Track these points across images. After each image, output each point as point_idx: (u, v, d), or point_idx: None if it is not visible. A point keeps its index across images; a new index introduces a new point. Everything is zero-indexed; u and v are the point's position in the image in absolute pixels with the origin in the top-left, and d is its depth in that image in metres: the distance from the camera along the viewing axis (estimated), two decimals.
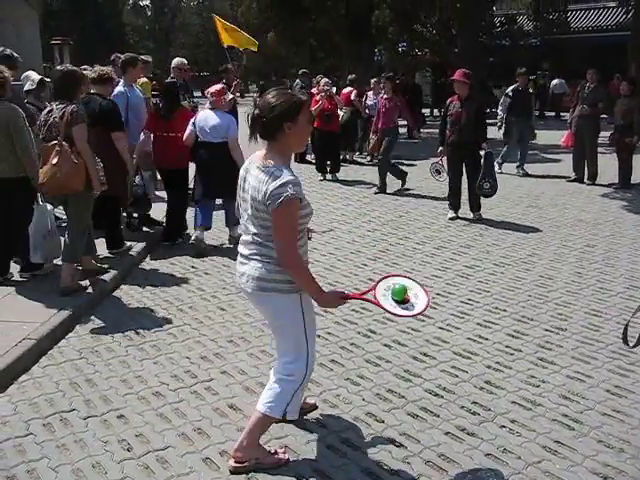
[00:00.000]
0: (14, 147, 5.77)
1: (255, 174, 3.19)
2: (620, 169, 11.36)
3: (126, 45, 44.66)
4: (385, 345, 5.02)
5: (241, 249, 3.37)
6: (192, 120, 7.54)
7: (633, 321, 3.29)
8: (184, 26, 63.39)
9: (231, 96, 8.12)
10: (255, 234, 3.23)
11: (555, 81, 27.46)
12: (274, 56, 35.43)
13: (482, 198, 9.03)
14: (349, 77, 14.30)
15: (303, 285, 3.22)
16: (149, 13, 66.24)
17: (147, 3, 66.02)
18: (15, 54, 6.89)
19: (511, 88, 13.16)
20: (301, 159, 14.52)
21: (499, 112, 13.27)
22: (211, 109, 7.52)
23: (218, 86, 7.79)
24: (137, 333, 5.29)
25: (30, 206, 6.10)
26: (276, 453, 3.49)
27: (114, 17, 49.86)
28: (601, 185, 11.57)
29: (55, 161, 5.49)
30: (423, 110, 23.58)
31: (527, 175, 12.85)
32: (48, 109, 5.82)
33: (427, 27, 28.14)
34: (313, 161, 13.35)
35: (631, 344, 3.29)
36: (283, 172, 3.10)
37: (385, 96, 11.17)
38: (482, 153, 8.92)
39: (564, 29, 29.15)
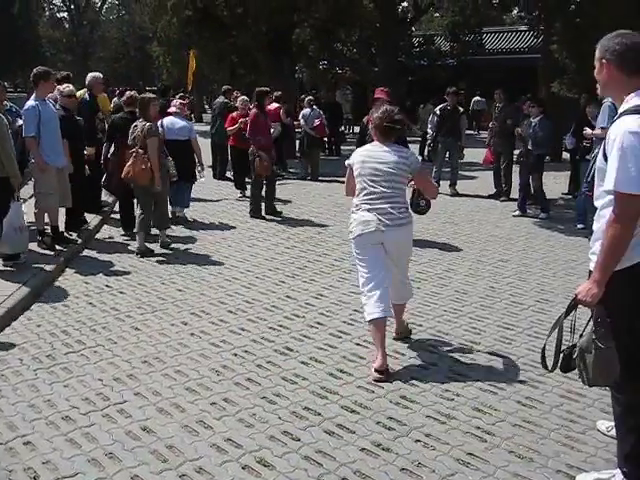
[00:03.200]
0: None
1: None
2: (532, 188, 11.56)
3: (42, 58, 43.35)
4: (302, 362, 5.00)
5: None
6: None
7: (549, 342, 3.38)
8: (103, 40, 62.14)
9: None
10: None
11: (475, 98, 28.31)
12: (194, 72, 35.02)
13: None
14: (275, 94, 14.38)
15: None
16: (67, 26, 64.63)
17: (65, 15, 64.43)
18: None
19: (439, 107, 12.96)
20: (221, 176, 14.47)
21: (429, 131, 13.12)
22: (173, 115, 10.05)
23: (181, 100, 10.91)
24: (47, 356, 5.11)
25: (7, 203, 6.83)
26: None
27: (29, 29, 48.33)
28: (515, 200, 11.87)
29: (129, 163, 7.75)
30: (342, 128, 23.78)
31: (457, 195, 12.89)
32: (134, 124, 7.98)
33: (347, 46, 28.64)
34: (232, 178, 13.25)
35: (550, 367, 3.38)
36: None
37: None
38: None
39: (479, 50, 30.18)
